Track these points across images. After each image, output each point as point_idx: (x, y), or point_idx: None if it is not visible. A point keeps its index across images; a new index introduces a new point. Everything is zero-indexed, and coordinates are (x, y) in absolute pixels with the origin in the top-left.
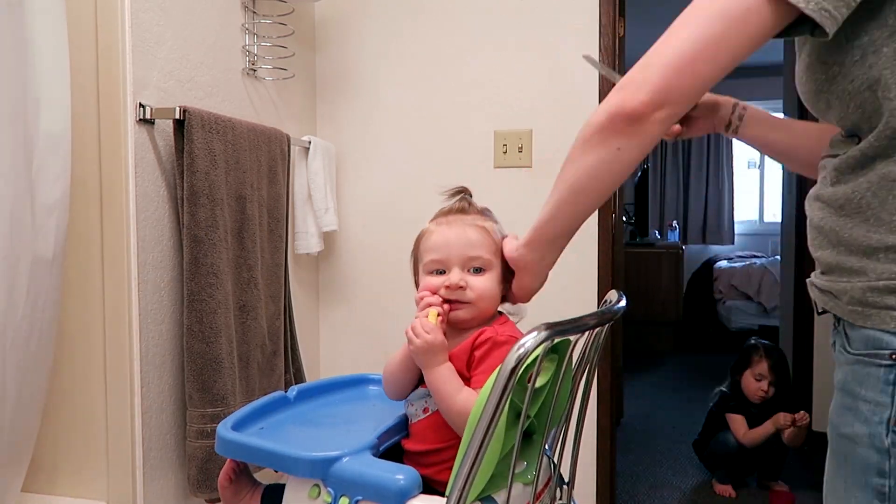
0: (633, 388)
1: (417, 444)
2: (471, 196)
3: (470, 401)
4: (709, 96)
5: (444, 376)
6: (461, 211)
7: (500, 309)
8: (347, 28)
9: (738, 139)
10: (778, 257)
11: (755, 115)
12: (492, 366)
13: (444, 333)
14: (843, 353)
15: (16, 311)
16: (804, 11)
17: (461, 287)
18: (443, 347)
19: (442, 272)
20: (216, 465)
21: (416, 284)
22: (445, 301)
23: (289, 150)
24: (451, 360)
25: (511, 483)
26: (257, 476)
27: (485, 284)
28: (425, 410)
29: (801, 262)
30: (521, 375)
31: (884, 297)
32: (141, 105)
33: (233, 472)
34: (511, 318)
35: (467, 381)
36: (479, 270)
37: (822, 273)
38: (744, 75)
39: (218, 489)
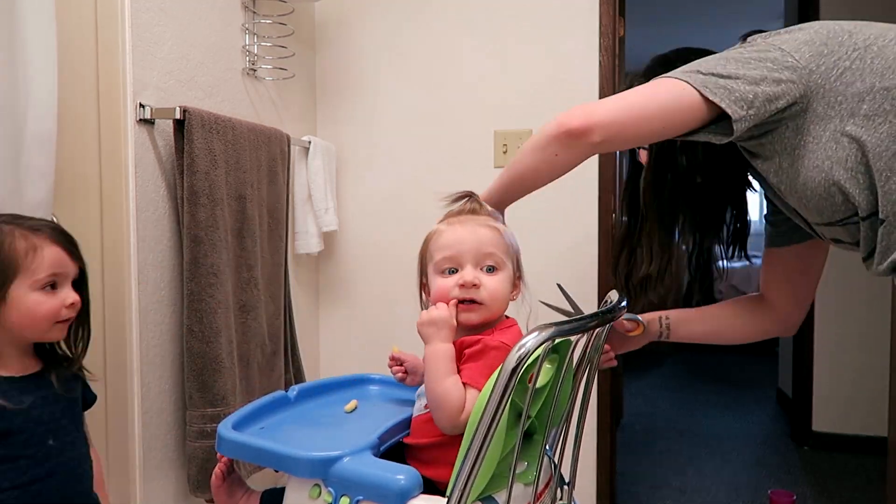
0: (633, 388)
1: (415, 439)
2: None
3: (451, 390)
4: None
5: (439, 355)
6: (472, 212)
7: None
8: (347, 28)
9: (671, 340)
10: None
11: (677, 319)
12: (479, 365)
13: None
14: None
15: None
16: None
17: (475, 285)
18: (447, 325)
19: (454, 271)
20: (216, 466)
21: (422, 288)
22: (459, 302)
23: (289, 150)
24: None
25: (512, 483)
26: (257, 476)
27: (497, 284)
28: (427, 406)
29: None
30: (521, 376)
31: None
32: (141, 105)
33: (223, 472)
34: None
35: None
36: (492, 270)
37: None
38: None
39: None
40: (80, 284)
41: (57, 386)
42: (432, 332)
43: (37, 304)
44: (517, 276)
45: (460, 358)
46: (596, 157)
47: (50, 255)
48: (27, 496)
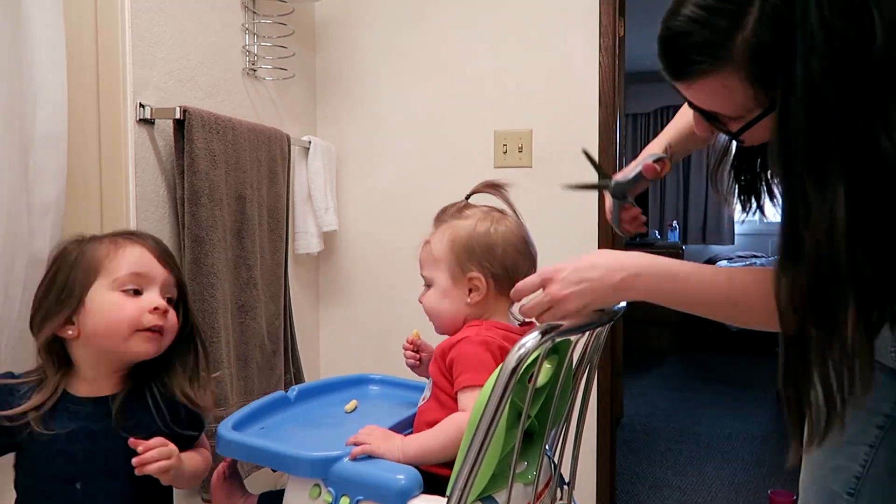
0: (633, 388)
1: (417, 429)
2: (481, 191)
3: (449, 431)
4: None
5: (416, 446)
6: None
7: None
8: (347, 28)
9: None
10: None
11: (677, 150)
12: (457, 363)
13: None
14: None
15: (11, 311)
16: None
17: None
18: (378, 441)
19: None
20: (216, 466)
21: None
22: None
23: (289, 150)
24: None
25: (512, 483)
26: (255, 475)
27: (427, 301)
28: (426, 397)
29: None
30: (521, 375)
31: None
32: (141, 105)
33: (225, 473)
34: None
35: (450, 382)
36: (428, 286)
37: None
38: None
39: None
40: (179, 302)
41: (116, 419)
42: (385, 448)
43: (114, 305)
44: (462, 272)
45: (449, 368)
46: (595, 158)
47: (131, 253)
48: None
